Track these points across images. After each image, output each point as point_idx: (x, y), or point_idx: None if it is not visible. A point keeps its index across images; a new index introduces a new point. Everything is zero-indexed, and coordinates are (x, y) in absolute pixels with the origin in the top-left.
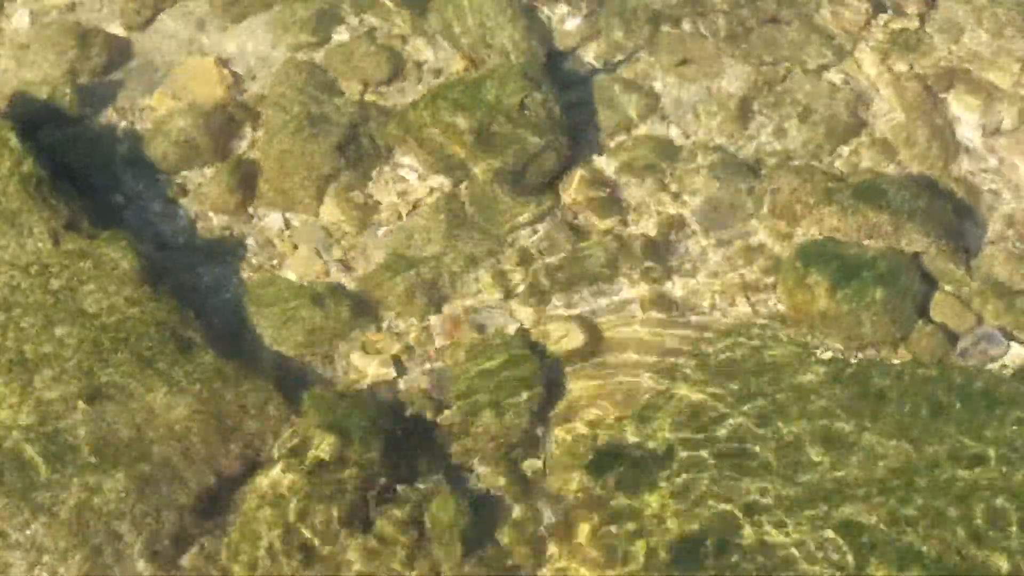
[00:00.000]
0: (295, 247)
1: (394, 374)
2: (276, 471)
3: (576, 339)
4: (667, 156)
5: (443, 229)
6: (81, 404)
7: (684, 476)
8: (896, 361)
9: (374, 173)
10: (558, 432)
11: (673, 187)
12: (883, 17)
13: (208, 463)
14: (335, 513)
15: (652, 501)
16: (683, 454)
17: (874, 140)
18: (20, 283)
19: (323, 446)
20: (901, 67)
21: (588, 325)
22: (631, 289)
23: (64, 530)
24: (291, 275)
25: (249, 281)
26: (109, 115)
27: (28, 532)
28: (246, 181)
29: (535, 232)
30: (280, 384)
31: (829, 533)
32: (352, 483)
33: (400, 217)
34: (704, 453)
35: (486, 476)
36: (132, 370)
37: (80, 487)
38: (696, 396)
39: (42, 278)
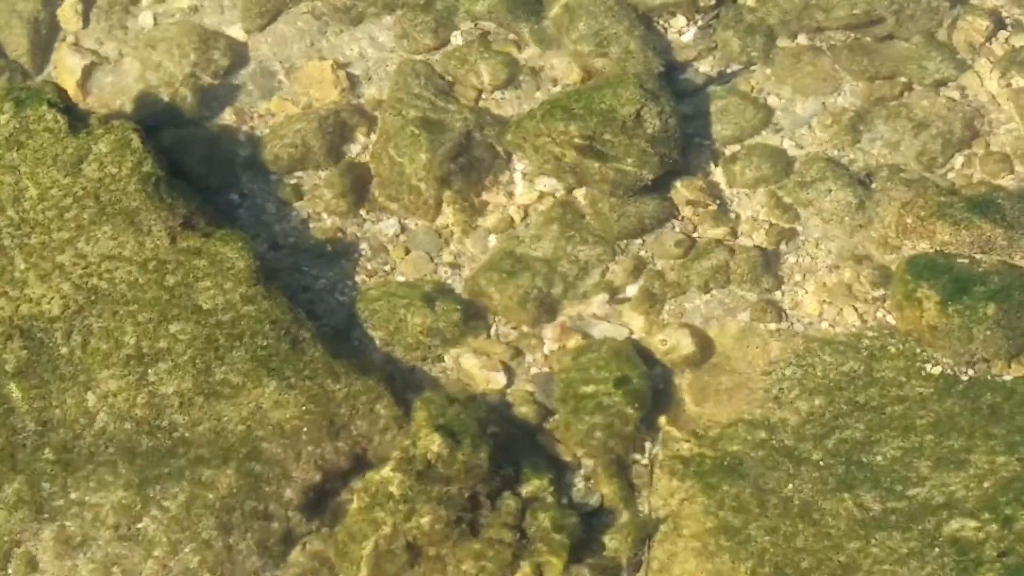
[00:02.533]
0: (407, 251)
1: (503, 379)
2: (385, 471)
3: (686, 347)
4: (780, 168)
5: (555, 235)
6: (195, 398)
7: (790, 487)
8: (1008, 377)
9: (488, 179)
10: (665, 439)
11: (786, 199)
12: (1003, 34)
13: (316, 461)
14: (442, 514)
15: (756, 514)
16: (789, 466)
17: (990, 153)
18: (138, 279)
19: (432, 447)
20: (1021, 82)
21: (698, 333)
22: (742, 298)
23: (175, 524)
24: (402, 278)
25: (361, 283)
26: (227, 116)
27: (139, 525)
28: (359, 184)
29: (646, 240)
30: (390, 385)
31: (936, 550)
32: (459, 486)
33: (512, 223)
34: (811, 466)
35: (592, 482)
36: (246, 367)
37: (191, 481)
38: (804, 407)
39: (159, 274)
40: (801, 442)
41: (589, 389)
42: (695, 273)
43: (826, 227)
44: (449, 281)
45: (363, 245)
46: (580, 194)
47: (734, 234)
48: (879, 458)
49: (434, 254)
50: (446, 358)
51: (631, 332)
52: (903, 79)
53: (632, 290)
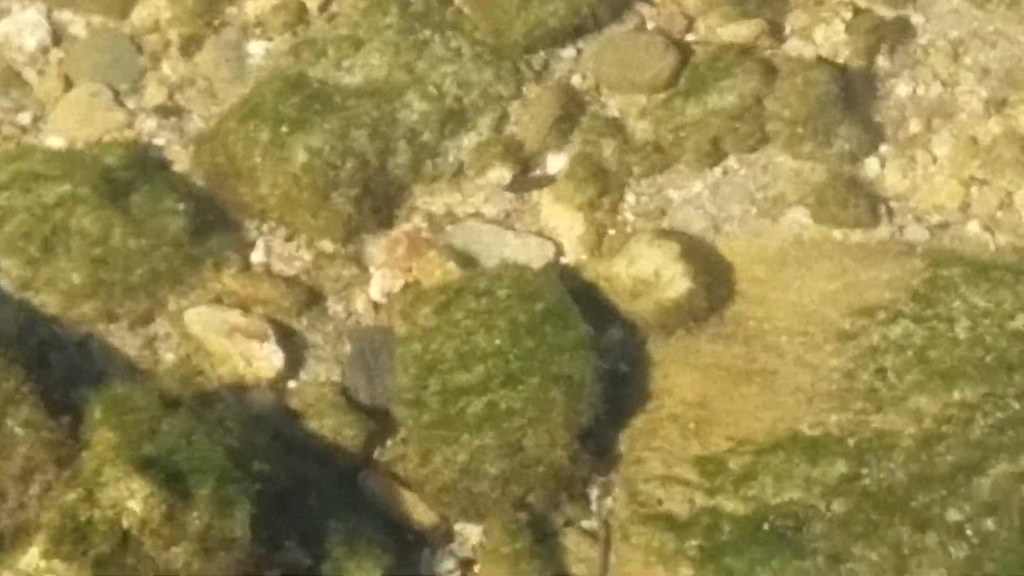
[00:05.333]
0: (67, 82)
1: (276, 356)
2: (28, 558)
3: (675, 282)
4: None
5: (390, 40)
6: None
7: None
8: None
9: None
10: (633, 481)
11: None
12: None
13: None
14: None
15: None
16: (904, 533)
17: None
18: None
19: (131, 505)
20: None
21: (699, 253)
22: (791, 175)
23: None
24: (55, 142)
25: None
26: None
27: None
28: None
29: (583, 52)
30: (35, 373)
31: None
32: None
33: (301, 14)
34: (949, 532)
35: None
36: None
37: None
38: (930, 407)
39: None
40: (925, 485)
41: (469, 376)
42: (691, 122)
43: (976, 15)
44: (158, 144)
45: None
46: None
47: (776, 34)
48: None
49: (126, 85)
50: (158, 314)
51: (557, 250)
52: None
53: (558, 160)
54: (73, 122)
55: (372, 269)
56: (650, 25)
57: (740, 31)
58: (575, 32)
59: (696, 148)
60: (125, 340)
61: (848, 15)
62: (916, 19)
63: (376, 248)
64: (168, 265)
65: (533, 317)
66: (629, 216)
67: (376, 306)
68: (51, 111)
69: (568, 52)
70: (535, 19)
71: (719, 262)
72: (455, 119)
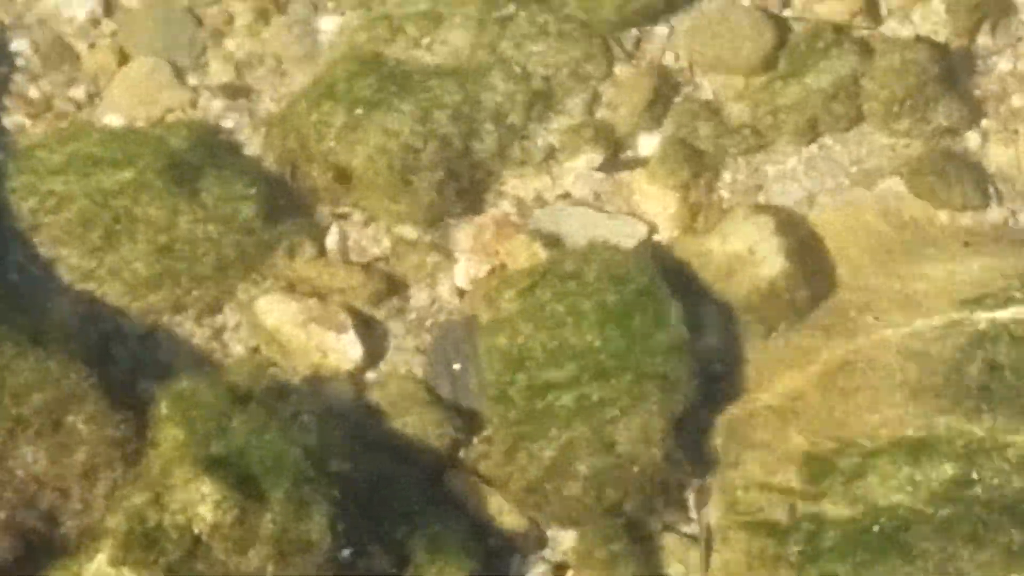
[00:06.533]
0: (123, 55)
1: (355, 348)
2: (96, 564)
3: (772, 261)
4: None
5: (475, 17)
6: None
7: None
8: None
9: None
10: (735, 485)
11: None
12: None
13: None
14: None
15: None
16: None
17: None
18: None
19: (201, 510)
20: None
21: (798, 230)
22: (891, 154)
23: None
24: (113, 119)
25: (16, 131)
26: None
27: None
28: None
29: (675, 28)
30: (98, 369)
31: None
32: None
33: None
34: None
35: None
36: None
37: None
38: None
39: None
40: None
41: (560, 372)
42: (789, 101)
43: None
44: (226, 124)
45: (19, 42)
46: None
47: (873, 14)
48: None
49: (187, 61)
50: (227, 303)
51: (650, 230)
52: None
53: (650, 140)
54: (132, 99)
55: (457, 255)
56: (745, 0)
57: (837, 7)
58: (667, 6)
59: (795, 129)
60: (193, 332)
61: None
62: None
63: (462, 234)
64: (238, 252)
65: (622, 300)
66: (725, 194)
67: (461, 293)
68: (106, 87)
69: (661, 29)
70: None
71: (817, 245)
72: (543, 100)
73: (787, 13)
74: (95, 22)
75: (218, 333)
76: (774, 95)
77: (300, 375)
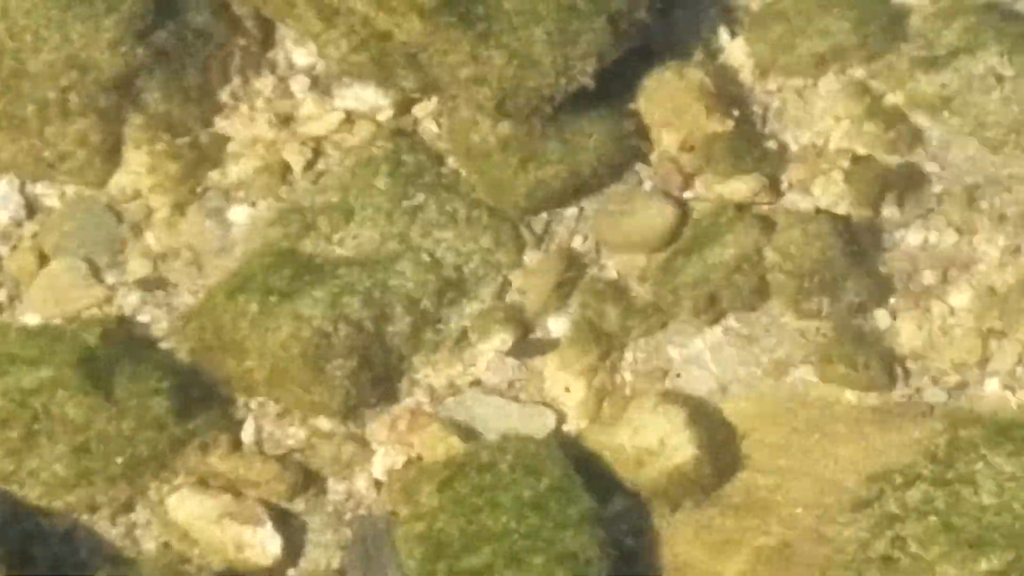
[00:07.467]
0: (41, 256)
1: (273, 544)
2: None
3: (681, 449)
4: (869, 31)
5: (384, 206)
6: None
7: None
8: None
9: (229, 83)
10: None
11: (889, 97)
12: None
13: None
14: None
15: None
16: None
17: None
18: None
19: None
20: None
21: (704, 417)
22: (794, 334)
23: None
24: (32, 318)
25: None
26: None
27: None
28: None
29: (584, 211)
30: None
31: None
32: None
33: (285, 176)
34: None
35: None
36: None
37: None
38: None
39: None
40: None
41: (475, 559)
42: (690, 279)
43: (992, 160)
44: (142, 318)
45: None
46: (429, 112)
47: (774, 189)
48: None
49: (106, 258)
50: (139, 501)
51: (558, 419)
52: None
53: (558, 324)
54: (50, 298)
55: (374, 445)
56: (648, 184)
57: (739, 187)
58: (576, 192)
59: (694, 307)
60: (107, 530)
61: (847, 164)
62: (929, 167)
63: (377, 424)
64: (151, 449)
65: (537, 493)
66: (628, 376)
67: (379, 485)
68: (26, 289)
69: (571, 211)
70: (535, 179)
71: (725, 426)
72: (454, 287)
73: (688, 195)
74: (18, 224)
75: (131, 530)
76: (675, 272)
77: (215, 572)
